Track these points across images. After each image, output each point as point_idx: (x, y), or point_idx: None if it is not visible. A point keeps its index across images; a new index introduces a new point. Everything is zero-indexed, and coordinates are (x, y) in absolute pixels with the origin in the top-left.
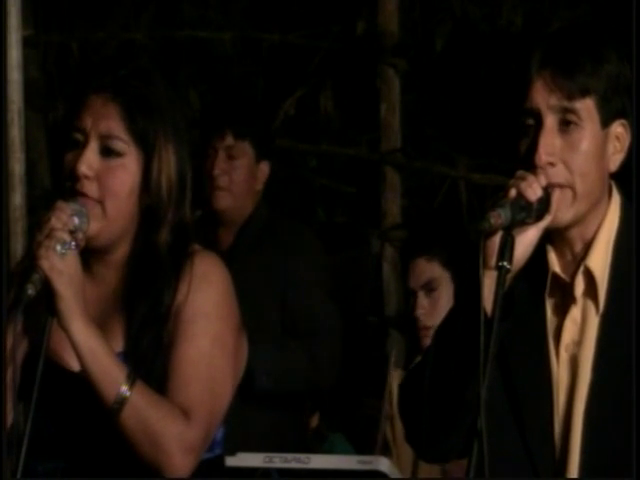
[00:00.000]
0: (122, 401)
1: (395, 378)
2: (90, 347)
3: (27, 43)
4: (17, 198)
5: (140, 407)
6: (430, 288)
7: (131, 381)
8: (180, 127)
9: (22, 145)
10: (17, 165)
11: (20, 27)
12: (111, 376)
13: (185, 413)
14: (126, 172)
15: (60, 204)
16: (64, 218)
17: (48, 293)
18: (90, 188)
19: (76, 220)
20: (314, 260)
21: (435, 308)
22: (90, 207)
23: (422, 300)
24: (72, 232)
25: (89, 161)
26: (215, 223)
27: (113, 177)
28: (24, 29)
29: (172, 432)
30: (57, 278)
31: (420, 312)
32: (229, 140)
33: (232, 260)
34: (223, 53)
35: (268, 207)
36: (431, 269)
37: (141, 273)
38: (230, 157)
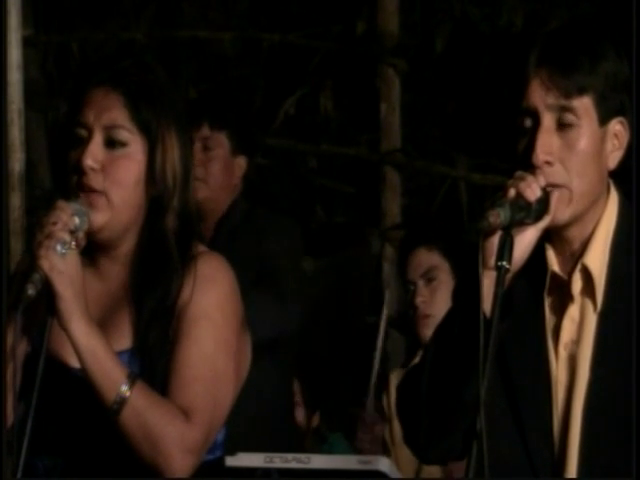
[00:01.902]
0: (122, 402)
1: (393, 376)
2: (90, 347)
3: (27, 43)
4: (17, 198)
5: (140, 408)
6: (430, 277)
7: (131, 381)
8: (181, 114)
9: (22, 145)
10: (17, 165)
11: (20, 27)
12: (111, 376)
13: (186, 414)
14: (131, 161)
15: (60, 204)
16: (64, 218)
17: (48, 293)
18: (96, 180)
19: (76, 220)
20: (285, 239)
21: (435, 297)
22: (96, 199)
23: (422, 289)
24: (72, 232)
25: (94, 153)
26: None
27: (118, 167)
28: (24, 29)
29: (172, 433)
30: (57, 278)
31: (420, 300)
32: (205, 131)
33: None
34: (223, 53)
35: (247, 202)
36: (431, 258)
37: (149, 263)
38: (206, 148)
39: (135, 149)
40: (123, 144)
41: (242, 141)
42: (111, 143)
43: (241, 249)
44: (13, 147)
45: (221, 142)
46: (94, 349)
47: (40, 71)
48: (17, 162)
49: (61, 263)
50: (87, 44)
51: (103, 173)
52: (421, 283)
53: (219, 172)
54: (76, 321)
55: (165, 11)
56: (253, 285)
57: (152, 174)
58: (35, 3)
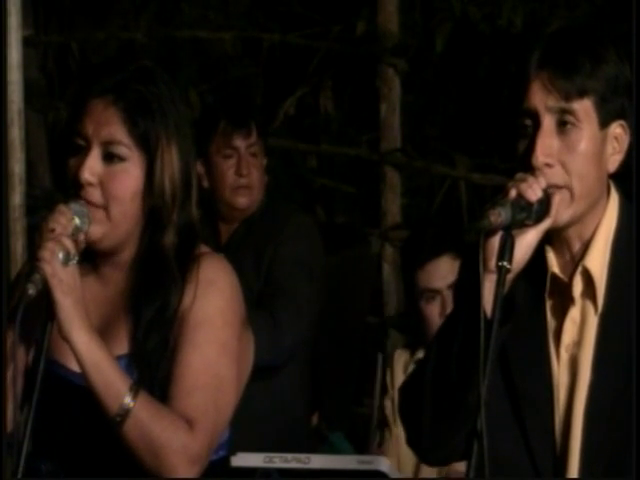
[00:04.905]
0: (125, 413)
1: (397, 355)
2: (92, 359)
3: (27, 43)
4: (17, 198)
5: (143, 419)
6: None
7: (134, 392)
8: (183, 126)
9: (22, 145)
10: (17, 165)
11: (20, 27)
12: (114, 388)
13: (189, 423)
14: (129, 177)
15: (61, 207)
16: (64, 221)
17: (48, 297)
18: (94, 194)
19: (77, 221)
20: (300, 240)
21: None
22: (94, 212)
23: (450, 299)
24: (73, 234)
25: (92, 168)
26: (215, 219)
27: (116, 182)
28: (24, 29)
29: (175, 445)
30: (57, 285)
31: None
32: (253, 137)
33: (228, 250)
34: (223, 53)
35: (266, 195)
36: (457, 267)
37: (148, 275)
38: (251, 155)
39: (133, 164)
40: (121, 159)
41: (266, 142)
42: (109, 157)
43: (256, 239)
44: (13, 147)
45: (262, 148)
46: (96, 359)
47: (40, 71)
48: (17, 162)
49: (62, 272)
50: (87, 44)
51: (101, 187)
52: (447, 293)
53: (261, 178)
54: (77, 331)
55: (165, 11)
56: (260, 292)
57: (150, 188)
58: (35, 3)
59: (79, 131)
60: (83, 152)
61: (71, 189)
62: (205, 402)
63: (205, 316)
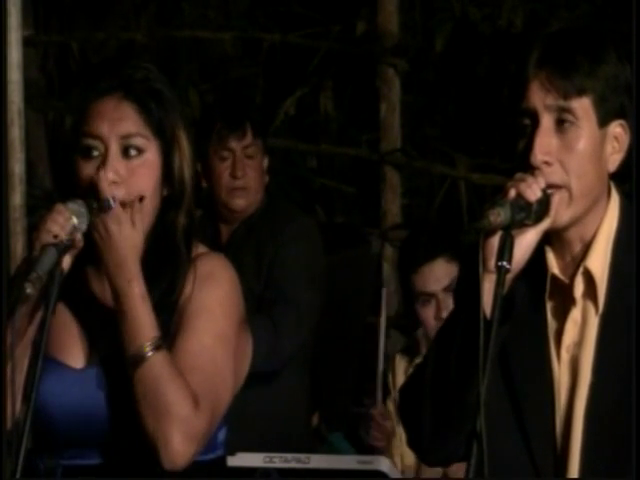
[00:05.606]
0: (140, 359)
1: (399, 357)
2: (130, 298)
3: (27, 43)
4: (17, 198)
5: (156, 373)
6: (453, 289)
7: (155, 345)
8: (184, 113)
9: (22, 145)
10: (17, 165)
11: (20, 27)
12: (139, 330)
13: (195, 398)
14: (150, 169)
15: (58, 206)
16: (61, 221)
17: (49, 281)
18: (118, 193)
19: (75, 220)
20: (302, 243)
21: None
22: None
23: (447, 301)
24: (71, 234)
25: (115, 167)
26: (215, 219)
27: (138, 178)
28: (24, 29)
29: (180, 413)
30: (99, 237)
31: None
32: (248, 139)
33: (229, 250)
34: (223, 53)
35: (267, 195)
36: (452, 269)
37: (157, 258)
38: (247, 156)
39: (151, 154)
40: (140, 151)
41: (265, 142)
42: (129, 152)
43: (257, 240)
44: (13, 147)
45: (259, 148)
46: (133, 299)
47: (40, 71)
48: (17, 162)
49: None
50: (87, 44)
51: (124, 185)
52: (443, 296)
53: (259, 178)
54: (129, 280)
55: (165, 11)
56: (260, 296)
57: (169, 176)
58: (35, 3)
59: (90, 133)
60: (100, 154)
61: (89, 192)
62: (204, 383)
63: (203, 305)
